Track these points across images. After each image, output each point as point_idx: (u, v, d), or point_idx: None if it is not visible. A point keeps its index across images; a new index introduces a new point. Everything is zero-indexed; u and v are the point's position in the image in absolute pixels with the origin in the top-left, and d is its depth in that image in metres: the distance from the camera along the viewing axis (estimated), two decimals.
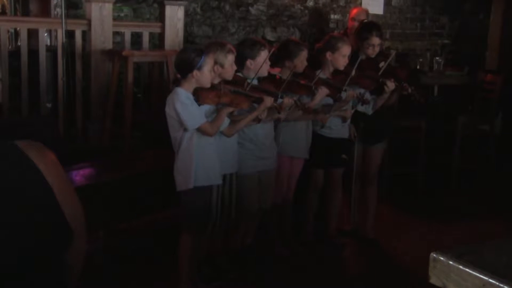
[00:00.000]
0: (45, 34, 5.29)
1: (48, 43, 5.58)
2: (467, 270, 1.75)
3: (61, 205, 1.29)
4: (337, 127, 4.61)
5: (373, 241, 4.95)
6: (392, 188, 5.95)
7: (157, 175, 4.54)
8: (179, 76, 3.73)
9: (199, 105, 3.69)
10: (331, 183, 4.80)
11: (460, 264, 1.78)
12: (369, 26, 4.80)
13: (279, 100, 3.97)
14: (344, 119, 4.62)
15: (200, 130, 3.65)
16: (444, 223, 5.39)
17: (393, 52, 5.34)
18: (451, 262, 1.79)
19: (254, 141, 4.16)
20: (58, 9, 5.42)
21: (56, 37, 5.16)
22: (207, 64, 3.65)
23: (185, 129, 3.64)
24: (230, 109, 3.78)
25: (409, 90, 4.55)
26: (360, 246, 4.95)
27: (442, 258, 1.82)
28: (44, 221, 1.26)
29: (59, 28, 4.90)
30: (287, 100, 4.01)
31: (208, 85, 3.71)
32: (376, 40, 4.65)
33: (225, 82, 3.88)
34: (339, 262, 4.75)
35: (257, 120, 3.97)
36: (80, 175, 4.23)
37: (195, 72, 3.62)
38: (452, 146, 6.51)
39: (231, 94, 3.81)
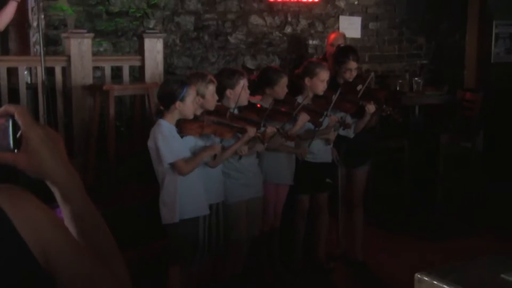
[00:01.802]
0: (25, 72, 5.30)
1: (29, 81, 5.58)
2: None
3: (45, 262, 1.08)
4: (320, 152, 4.63)
5: (362, 264, 4.94)
6: (378, 209, 5.98)
7: (143, 208, 4.53)
8: (162, 108, 3.75)
9: (182, 136, 3.70)
10: (317, 208, 4.80)
11: (445, 283, 1.80)
12: (346, 51, 4.86)
13: (262, 129, 4.00)
14: (328, 141, 4.63)
15: (173, 166, 3.64)
16: (430, 241, 5.40)
17: (371, 75, 5.40)
18: (435, 282, 1.82)
19: (240, 169, 4.17)
20: (38, 47, 5.44)
21: (36, 74, 5.16)
22: (190, 95, 3.67)
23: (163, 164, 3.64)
24: (211, 153, 3.78)
25: (388, 112, 4.61)
26: (350, 270, 4.95)
27: (426, 279, 1.84)
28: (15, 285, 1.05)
29: (38, 65, 4.91)
30: (270, 129, 4.04)
31: (191, 116, 3.72)
32: (353, 64, 4.70)
33: (207, 112, 3.90)
34: (329, 287, 4.74)
35: (239, 155, 3.98)
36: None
37: (177, 103, 3.64)
38: (435, 164, 6.56)
39: (214, 125, 3.83)
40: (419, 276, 1.82)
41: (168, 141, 3.62)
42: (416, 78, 7.54)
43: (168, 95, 3.68)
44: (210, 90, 3.87)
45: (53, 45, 5.62)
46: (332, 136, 4.60)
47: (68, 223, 1.19)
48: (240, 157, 4.01)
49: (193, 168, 3.69)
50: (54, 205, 1.22)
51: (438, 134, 6.70)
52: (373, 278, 4.83)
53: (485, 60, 8.06)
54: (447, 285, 1.75)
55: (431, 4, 7.90)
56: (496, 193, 6.51)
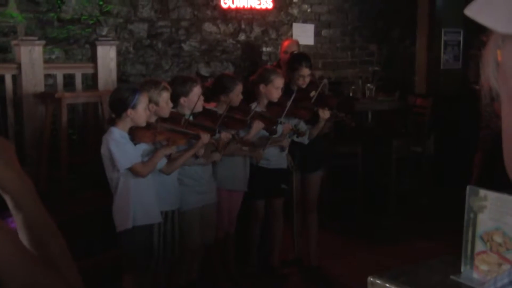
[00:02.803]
0: None
1: None
2: None
3: None
4: (275, 158, 4.67)
5: (317, 269, 4.99)
6: (332, 214, 6.04)
7: (96, 217, 4.48)
8: (113, 115, 3.73)
9: (135, 144, 3.68)
10: (272, 214, 4.83)
11: (397, 285, 1.84)
12: (299, 58, 4.91)
13: (216, 135, 4.01)
14: (282, 148, 4.67)
15: (132, 171, 3.63)
16: (383, 245, 5.49)
17: (323, 81, 5.46)
18: (387, 285, 1.86)
19: (194, 176, 4.17)
20: None
21: None
22: (141, 102, 3.65)
23: (118, 170, 3.62)
24: (167, 151, 3.78)
25: (341, 117, 4.68)
26: (304, 274, 4.98)
27: (379, 282, 1.88)
28: None
29: None
30: (224, 135, 4.06)
31: (143, 124, 3.71)
32: (306, 71, 4.75)
33: (162, 119, 3.89)
34: None
35: (195, 157, 3.99)
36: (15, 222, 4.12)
37: (129, 111, 3.62)
38: (388, 169, 6.67)
39: (167, 132, 3.82)
40: (371, 279, 1.85)
41: (122, 147, 3.60)
42: (368, 85, 7.65)
43: (120, 103, 3.66)
44: (164, 97, 3.87)
45: (2, 52, 5.50)
46: (285, 143, 4.64)
47: (20, 231, 1.18)
48: (197, 157, 4.00)
49: (151, 170, 3.68)
50: (6, 214, 1.20)
51: (390, 139, 6.82)
52: (327, 282, 4.88)
53: (435, 67, 8.25)
54: (399, 287, 1.79)
55: (382, 12, 8.04)
56: (446, 196, 6.64)
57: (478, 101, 6.31)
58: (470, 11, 0.66)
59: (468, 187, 1.91)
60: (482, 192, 1.88)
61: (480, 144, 6.53)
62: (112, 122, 3.71)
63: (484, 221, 1.87)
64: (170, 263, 4.10)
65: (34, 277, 1.13)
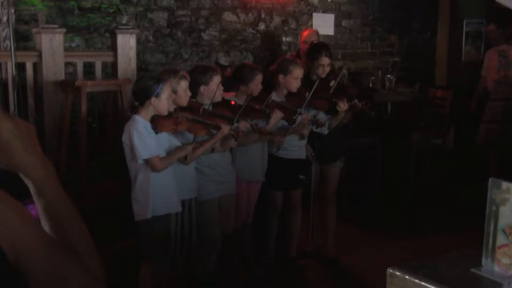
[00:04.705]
0: None
1: None
2: (423, 283, 1.79)
3: (15, 258, 1.07)
4: (294, 148, 4.65)
5: (334, 260, 4.97)
6: (351, 206, 6.01)
7: (115, 205, 4.50)
8: (136, 104, 3.74)
9: (157, 133, 3.69)
10: (290, 205, 4.82)
11: (416, 278, 1.82)
12: (318, 47, 4.87)
13: (235, 125, 4.00)
14: (302, 136, 4.64)
15: (148, 163, 3.63)
16: (402, 237, 5.46)
17: (343, 71, 5.42)
18: (407, 277, 1.84)
19: (213, 166, 4.16)
20: (8, 42, 5.36)
21: (6, 70, 5.08)
22: (165, 91, 3.67)
23: (136, 160, 3.63)
24: (184, 152, 3.77)
25: (360, 106, 4.64)
26: (322, 266, 4.97)
27: (398, 273, 1.86)
28: None
29: (9, 61, 4.84)
30: (243, 125, 4.05)
31: (166, 113, 3.72)
32: (325, 60, 4.72)
33: (181, 108, 3.89)
34: (301, 283, 4.76)
35: (212, 149, 3.99)
36: (36, 209, 4.16)
37: (153, 99, 3.63)
38: (407, 161, 6.63)
39: (189, 122, 3.83)
40: (391, 271, 1.84)
41: (143, 138, 3.61)
42: (388, 76, 7.59)
43: (144, 91, 3.67)
44: (183, 86, 3.87)
45: (23, 40, 5.54)
46: (306, 130, 4.60)
47: (41, 217, 1.18)
48: (213, 150, 4.01)
49: (166, 166, 3.69)
50: (29, 200, 1.20)
51: (409, 131, 6.77)
52: (345, 274, 4.86)
53: (456, 58, 8.16)
54: (419, 280, 1.77)
55: (403, 2, 7.97)
56: (466, 189, 6.59)
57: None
58: None
59: (490, 180, 1.89)
60: (505, 184, 1.85)
61: (486, 140, 6.47)
62: (135, 110, 3.73)
63: (506, 214, 1.84)
64: (188, 252, 4.11)
65: (56, 263, 1.13)
